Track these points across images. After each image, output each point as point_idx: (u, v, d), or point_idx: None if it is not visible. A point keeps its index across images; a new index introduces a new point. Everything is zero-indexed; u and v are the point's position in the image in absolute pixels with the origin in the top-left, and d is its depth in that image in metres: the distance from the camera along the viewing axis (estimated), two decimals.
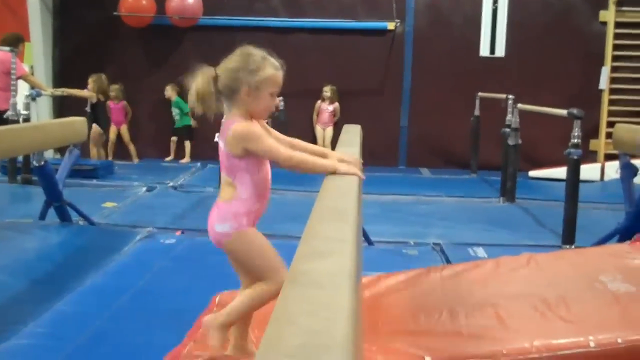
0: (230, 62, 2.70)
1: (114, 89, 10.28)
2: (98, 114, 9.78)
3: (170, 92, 10.54)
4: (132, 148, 10.49)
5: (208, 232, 2.77)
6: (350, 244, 1.47)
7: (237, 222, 2.69)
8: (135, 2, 10.46)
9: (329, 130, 10.50)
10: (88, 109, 9.58)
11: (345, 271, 1.21)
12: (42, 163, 5.55)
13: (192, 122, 10.45)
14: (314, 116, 10.64)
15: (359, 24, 10.55)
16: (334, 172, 2.54)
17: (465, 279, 3.48)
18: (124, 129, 10.47)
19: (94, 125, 9.59)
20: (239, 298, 2.76)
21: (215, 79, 2.69)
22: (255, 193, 2.72)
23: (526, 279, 3.37)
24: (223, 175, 2.73)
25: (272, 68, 2.69)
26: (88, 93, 9.55)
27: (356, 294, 1.15)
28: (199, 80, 2.70)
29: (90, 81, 9.65)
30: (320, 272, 1.21)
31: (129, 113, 10.64)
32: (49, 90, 9.43)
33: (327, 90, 10.42)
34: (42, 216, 5.89)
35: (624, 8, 10.44)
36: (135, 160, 10.33)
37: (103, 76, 9.85)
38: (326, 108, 10.53)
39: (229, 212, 2.70)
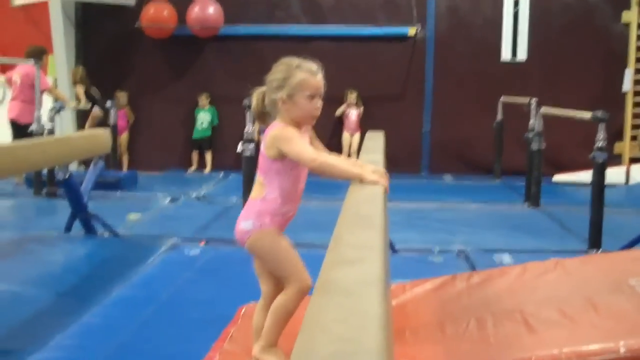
0: (269, 75, 2.83)
1: (119, 96, 10.37)
2: (93, 99, 9.91)
3: (204, 100, 10.64)
4: (125, 157, 10.56)
5: (235, 231, 2.87)
6: (379, 251, 1.46)
7: (259, 220, 2.79)
8: (157, 14, 10.52)
9: (357, 137, 10.43)
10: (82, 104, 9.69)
11: (374, 278, 1.20)
12: (67, 176, 5.58)
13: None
14: (344, 120, 10.64)
15: (380, 30, 10.53)
16: (360, 180, 2.53)
17: (491, 286, 3.45)
18: (124, 137, 10.56)
19: (95, 109, 9.76)
20: (268, 317, 2.83)
21: (264, 95, 2.85)
22: (282, 195, 2.80)
23: (554, 284, 3.33)
24: (257, 175, 2.85)
25: (303, 73, 2.75)
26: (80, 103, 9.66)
27: (386, 301, 1.14)
28: (253, 99, 2.89)
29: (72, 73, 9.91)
30: (350, 279, 1.20)
31: (131, 118, 10.72)
32: (72, 103, 9.51)
33: (353, 96, 10.43)
34: (68, 228, 5.94)
35: None
36: (124, 170, 10.32)
37: (80, 67, 10.05)
38: (352, 113, 10.51)
39: (254, 209, 2.82)
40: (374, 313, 1.01)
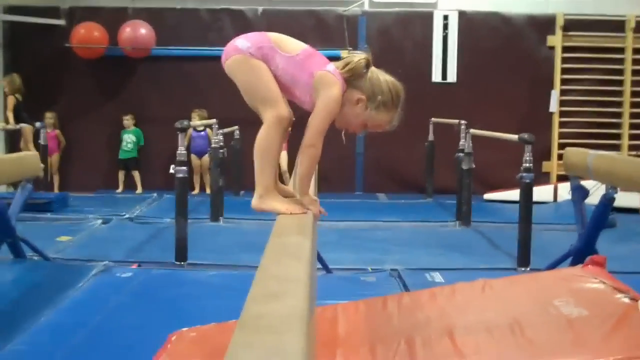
0: (381, 82, 2.61)
1: (48, 117, 10.23)
2: (20, 114, 9.75)
3: (129, 121, 10.56)
4: (56, 178, 10.44)
5: (223, 53, 2.66)
6: (304, 284, 1.48)
7: (258, 51, 2.57)
8: (87, 34, 10.41)
9: (283, 154, 10.44)
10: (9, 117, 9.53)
11: (298, 314, 1.21)
12: None
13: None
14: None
15: None
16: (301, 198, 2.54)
17: (422, 308, 3.50)
18: (55, 158, 10.45)
19: (24, 126, 9.58)
20: (255, 163, 2.57)
21: (368, 63, 2.61)
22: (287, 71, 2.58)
23: (482, 305, 3.40)
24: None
25: (389, 116, 2.64)
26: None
27: (309, 338, 1.16)
28: (355, 56, 2.62)
29: (5, 83, 9.73)
30: (273, 315, 1.21)
31: (62, 142, 10.60)
32: (1, 123, 9.33)
33: None
34: None
35: (571, 33, 10.70)
36: (55, 191, 10.17)
37: (15, 75, 9.89)
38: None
39: (259, 39, 2.61)
40: (296, 351, 1.03)
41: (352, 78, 2.56)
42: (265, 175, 2.53)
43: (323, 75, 2.53)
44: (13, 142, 10.16)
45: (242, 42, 2.61)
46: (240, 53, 2.59)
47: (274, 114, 2.52)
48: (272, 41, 2.59)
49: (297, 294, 1.38)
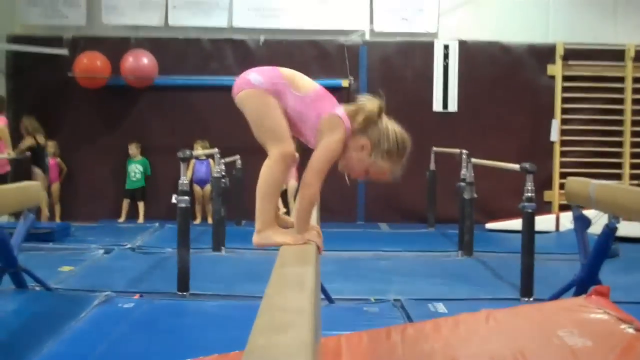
0: (393, 129, 2.63)
1: (50, 145, 10.26)
2: (39, 157, 9.80)
3: (134, 150, 10.58)
4: (57, 207, 10.42)
5: (234, 85, 2.65)
6: (309, 315, 1.47)
7: (272, 86, 2.58)
8: (90, 64, 10.47)
9: (291, 185, 10.43)
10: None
11: (303, 346, 1.21)
12: None
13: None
14: None
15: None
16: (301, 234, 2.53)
17: (425, 339, 3.49)
18: (56, 187, 10.46)
19: (36, 170, 9.58)
20: (257, 199, 2.57)
21: (380, 111, 2.63)
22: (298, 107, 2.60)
23: (486, 337, 3.39)
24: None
25: (392, 166, 2.66)
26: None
27: None
28: (376, 104, 2.63)
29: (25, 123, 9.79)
30: (278, 347, 1.21)
31: (64, 170, 10.61)
32: (12, 152, 9.30)
33: None
34: None
35: (571, 62, 10.76)
36: (57, 220, 10.18)
37: (32, 118, 9.93)
38: None
39: (273, 75, 2.61)
40: None
41: (363, 126, 2.57)
42: (265, 211, 2.54)
43: (329, 119, 2.55)
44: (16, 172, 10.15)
45: (256, 76, 2.61)
46: (252, 87, 2.59)
47: (280, 150, 2.53)
48: (285, 78, 2.61)
49: (302, 325, 1.38)
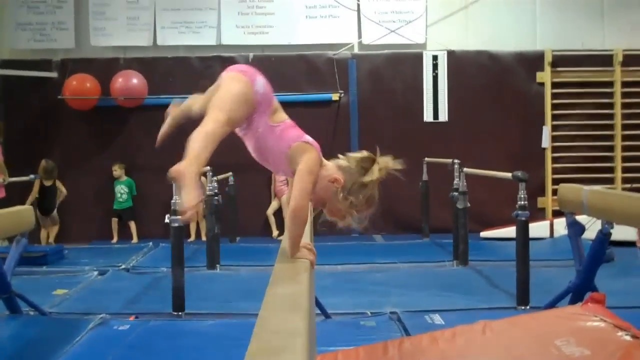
0: (376, 170, 2.70)
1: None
2: (44, 199, 10.02)
3: (119, 171, 10.56)
4: (55, 228, 10.38)
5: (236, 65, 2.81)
6: (303, 337, 1.47)
7: (262, 102, 2.69)
8: (80, 85, 10.47)
9: (284, 199, 10.42)
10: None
11: None
12: None
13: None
14: (272, 188, 10.68)
15: (304, 96, 10.65)
16: (293, 254, 2.53)
17: (423, 352, 3.47)
18: (54, 214, 10.40)
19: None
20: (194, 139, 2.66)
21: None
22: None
23: (483, 348, 3.38)
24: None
25: (350, 211, 2.67)
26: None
27: None
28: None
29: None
30: None
31: (63, 193, 10.50)
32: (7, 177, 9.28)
33: None
34: None
35: (559, 68, 10.80)
36: (51, 242, 10.17)
37: (49, 161, 9.97)
38: (279, 178, 10.55)
39: (270, 96, 2.75)
40: None
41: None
42: (202, 154, 2.66)
43: (300, 145, 2.62)
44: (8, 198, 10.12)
45: (261, 83, 2.73)
46: (250, 85, 2.70)
47: (217, 114, 2.70)
48: (273, 107, 2.73)
49: (296, 348, 1.37)
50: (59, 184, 10.43)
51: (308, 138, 2.65)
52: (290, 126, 2.70)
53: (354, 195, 2.63)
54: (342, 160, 2.70)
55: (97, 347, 4.79)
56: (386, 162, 2.69)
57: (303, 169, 2.56)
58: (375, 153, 2.75)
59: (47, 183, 10.16)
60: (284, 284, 2.18)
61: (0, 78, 10.81)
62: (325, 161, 2.67)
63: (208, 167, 8.51)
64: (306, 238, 2.78)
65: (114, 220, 10.68)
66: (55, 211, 10.31)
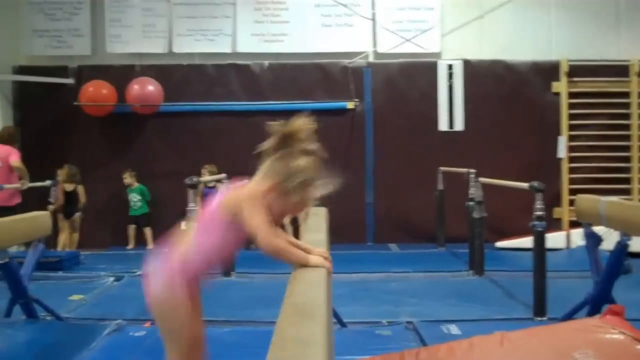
0: (296, 160, 2.66)
1: (60, 174, 10.32)
2: (69, 204, 10.17)
3: (129, 179, 10.61)
4: (75, 235, 10.41)
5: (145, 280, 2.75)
6: (321, 347, 1.46)
7: (171, 279, 2.68)
8: (95, 92, 10.53)
9: None
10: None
11: None
12: (6, 260, 5.45)
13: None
14: None
15: (319, 104, 10.66)
16: (306, 264, 2.53)
17: None
18: (76, 215, 10.43)
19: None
20: None
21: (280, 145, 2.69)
22: (207, 257, 2.70)
23: (501, 359, 3.35)
24: (192, 226, 2.75)
25: (318, 192, 2.69)
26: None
27: None
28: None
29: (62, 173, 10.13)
30: None
31: (82, 199, 10.52)
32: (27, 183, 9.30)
33: None
34: (8, 313, 5.76)
35: (575, 78, 10.76)
36: (73, 248, 10.21)
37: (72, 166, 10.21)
38: None
39: (169, 265, 2.71)
40: None
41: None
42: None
43: (226, 200, 2.66)
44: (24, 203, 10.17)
45: (155, 279, 2.78)
46: (155, 292, 2.81)
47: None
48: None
49: (314, 357, 1.37)
50: (80, 189, 10.48)
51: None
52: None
53: (290, 188, 2.61)
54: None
55: (114, 353, 4.80)
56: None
57: (247, 205, 2.57)
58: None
59: (69, 188, 10.23)
60: (302, 292, 2.18)
61: (17, 84, 10.91)
62: (246, 188, 2.66)
63: (224, 175, 8.53)
64: (322, 246, 2.79)
65: (131, 227, 10.73)
66: (76, 215, 10.35)
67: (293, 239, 2.79)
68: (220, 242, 2.68)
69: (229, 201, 2.64)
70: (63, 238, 10.25)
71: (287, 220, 10.51)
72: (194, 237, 2.70)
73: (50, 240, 8.14)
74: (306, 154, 2.66)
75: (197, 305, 2.78)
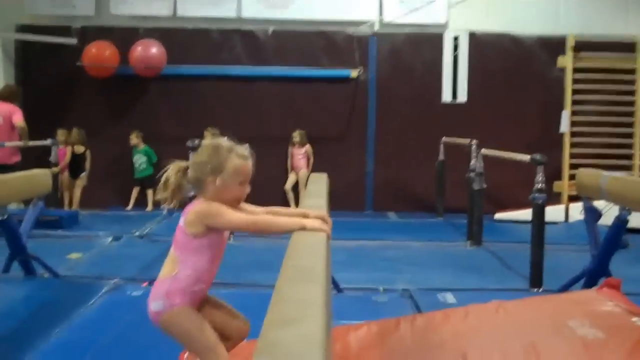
0: (199, 156, 2.79)
1: (59, 134, 10.34)
2: (75, 164, 10.40)
3: (136, 139, 10.60)
4: (78, 195, 10.45)
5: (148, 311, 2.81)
6: (320, 308, 1.47)
7: (169, 301, 2.74)
8: (99, 53, 10.47)
9: (302, 173, 10.39)
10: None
11: (315, 340, 1.20)
12: (5, 217, 5.46)
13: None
14: (288, 162, 10.63)
15: (322, 72, 10.61)
16: (303, 229, 2.54)
17: (435, 330, 3.48)
18: (66, 175, 10.48)
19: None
20: None
21: (185, 171, 2.81)
22: (195, 274, 2.76)
23: (496, 327, 3.37)
24: (171, 251, 2.81)
25: (238, 159, 2.74)
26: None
27: None
28: (172, 175, 2.82)
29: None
30: (290, 341, 1.20)
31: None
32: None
33: (296, 135, 10.42)
34: (6, 269, 5.79)
35: (581, 53, 10.69)
36: (74, 207, 10.29)
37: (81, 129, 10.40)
38: (298, 152, 10.53)
39: (163, 289, 2.76)
40: None
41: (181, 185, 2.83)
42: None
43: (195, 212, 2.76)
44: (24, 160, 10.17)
45: (155, 304, 2.79)
46: (160, 316, 2.80)
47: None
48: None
49: (313, 318, 1.37)
50: (87, 153, 10.50)
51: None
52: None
53: (223, 178, 2.72)
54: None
55: (111, 311, 4.83)
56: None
57: (213, 212, 2.69)
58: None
59: (79, 150, 10.37)
60: (301, 255, 2.19)
61: (20, 43, 10.85)
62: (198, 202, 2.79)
63: (226, 138, 8.51)
64: (323, 210, 2.79)
65: (135, 189, 10.74)
66: (83, 174, 10.42)
67: (277, 208, 2.87)
68: (203, 262, 2.79)
69: (193, 224, 2.75)
70: (69, 197, 10.32)
71: (288, 186, 10.54)
72: (177, 262, 2.79)
73: (51, 198, 8.14)
74: (203, 148, 2.84)
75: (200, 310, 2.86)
